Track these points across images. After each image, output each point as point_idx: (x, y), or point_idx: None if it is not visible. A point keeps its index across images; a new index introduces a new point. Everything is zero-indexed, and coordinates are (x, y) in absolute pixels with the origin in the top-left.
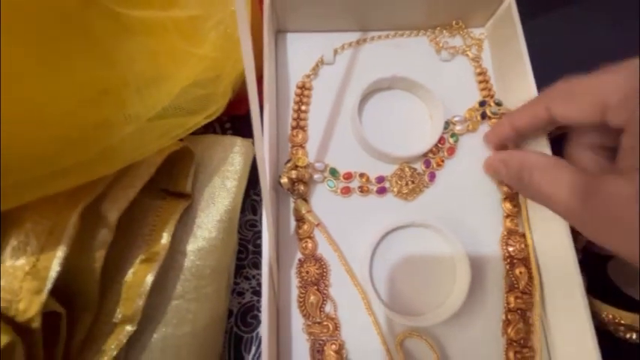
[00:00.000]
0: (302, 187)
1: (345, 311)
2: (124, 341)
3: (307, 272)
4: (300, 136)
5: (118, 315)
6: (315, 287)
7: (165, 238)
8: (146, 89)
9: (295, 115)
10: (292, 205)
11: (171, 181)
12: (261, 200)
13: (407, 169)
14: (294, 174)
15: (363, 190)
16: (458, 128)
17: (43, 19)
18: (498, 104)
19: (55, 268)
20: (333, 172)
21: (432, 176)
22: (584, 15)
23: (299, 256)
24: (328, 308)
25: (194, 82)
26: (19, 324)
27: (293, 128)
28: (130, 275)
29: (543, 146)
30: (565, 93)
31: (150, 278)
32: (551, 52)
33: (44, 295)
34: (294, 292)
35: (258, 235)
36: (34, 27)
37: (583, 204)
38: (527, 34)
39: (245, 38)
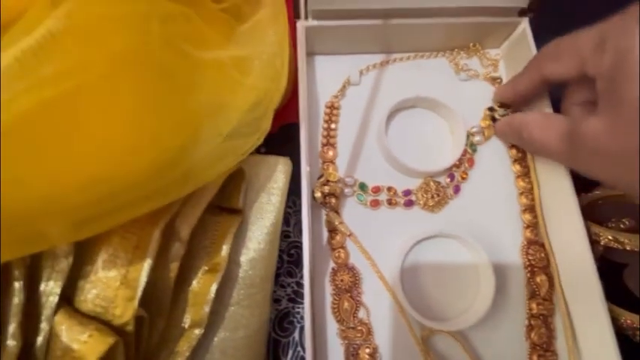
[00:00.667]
0: (334, 201)
1: (377, 317)
2: (194, 344)
3: (341, 280)
4: (330, 152)
5: (186, 320)
6: (349, 294)
7: (225, 250)
8: (213, 117)
9: (325, 133)
10: (324, 217)
11: (224, 198)
12: (293, 213)
13: (432, 183)
14: (326, 189)
15: (391, 203)
16: (477, 139)
17: (139, 67)
18: (503, 107)
19: (143, 279)
20: (363, 187)
21: (457, 189)
22: None
23: (332, 265)
24: (361, 314)
25: (247, 108)
26: (115, 327)
27: (323, 145)
28: (194, 284)
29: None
30: (552, 53)
31: (214, 287)
32: None
33: (136, 302)
34: (328, 299)
35: (292, 245)
36: (133, 75)
37: (569, 146)
38: None
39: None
